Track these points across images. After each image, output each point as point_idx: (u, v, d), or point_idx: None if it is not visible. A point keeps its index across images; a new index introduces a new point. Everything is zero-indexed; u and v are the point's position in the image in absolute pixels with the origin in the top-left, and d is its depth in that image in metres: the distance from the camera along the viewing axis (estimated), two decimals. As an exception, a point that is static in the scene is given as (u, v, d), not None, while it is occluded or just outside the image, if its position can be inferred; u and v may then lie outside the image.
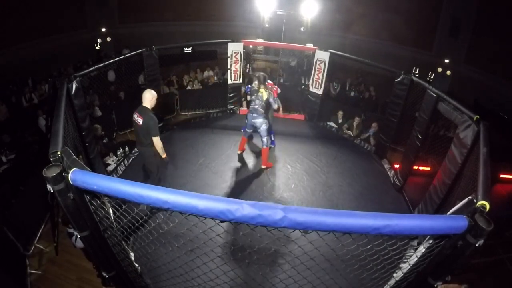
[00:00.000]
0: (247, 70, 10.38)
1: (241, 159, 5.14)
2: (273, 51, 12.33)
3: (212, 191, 4.35)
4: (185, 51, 7.90)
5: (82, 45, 11.70)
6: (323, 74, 6.26)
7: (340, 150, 5.71)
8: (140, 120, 3.55)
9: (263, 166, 4.90)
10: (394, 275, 2.01)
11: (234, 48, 6.27)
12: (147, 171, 4.08)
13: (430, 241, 1.50)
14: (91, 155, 4.04)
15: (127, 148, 5.42)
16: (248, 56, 10.27)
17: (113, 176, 4.67)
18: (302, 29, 8.60)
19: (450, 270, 1.47)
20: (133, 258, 2.43)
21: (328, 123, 6.79)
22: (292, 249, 1.72)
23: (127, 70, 5.83)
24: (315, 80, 6.40)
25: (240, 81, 6.71)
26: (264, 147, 4.79)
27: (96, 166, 4.16)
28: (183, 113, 7.27)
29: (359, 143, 6.24)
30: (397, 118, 5.30)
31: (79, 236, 1.62)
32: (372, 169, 5.36)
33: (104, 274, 1.96)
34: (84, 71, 4.02)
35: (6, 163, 5.60)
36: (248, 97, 5.00)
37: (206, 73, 9.68)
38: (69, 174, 1.30)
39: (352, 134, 6.51)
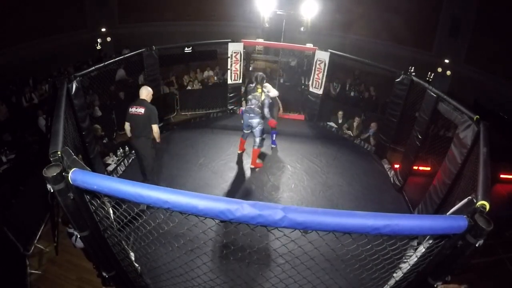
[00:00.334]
0: (250, 68, 10.38)
1: (241, 159, 5.14)
2: (273, 51, 12.33)
3: (212, 191, 4.35)
4: (185, 51, 7.90)
5: (82, 45, 11.71)
6: (323, 74, 6.26)
7: (340, 150, 5.71)
8: (141, 110, 3.74)
9: (251, 166, 4.90)
10: (394, 275, 2.01)
11: (234, 48, 6.27)
12: (142, 163, 4.13)
13: (430, 241, 1.50)
14: (91, 155, 4.04)
15: (127, 148, 5.41)
16: (248, 56, 10.26)
17: (113, 176, 4.67)
18: (302, 29, 8.60)
19: (450, 270, 1.47)
20: (133, 258, 2.43)
21: (328, 123, 6.79)
22: (292, 249, 1.72)
23: (127, 70, 5.83)
24: (315, 80, 6.41)
25: (240, 81, 6.71)
26: (256, 147, 4.75)
27: (96, 166, 4.16)
28: (183, 113, 7.26)
29: (359, 143, 6.24)
30: (397, 118, 5.30)
31: (79, 236, 1.62)
32: (372, 169, 5.36)
33: (104, 274, 1.96)
34: (84, 71, 4.03)
35: (6, 163, 5.59)
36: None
37: (206, 73, 9.68)
38: (69, 174, 1.30)
39: (352, 134, 6.51)
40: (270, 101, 4.71)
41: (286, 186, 4.61)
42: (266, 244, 3.13)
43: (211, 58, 9.40)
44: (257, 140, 4.70)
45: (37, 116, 6.95)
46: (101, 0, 11.86)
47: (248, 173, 4.81)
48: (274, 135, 5.54)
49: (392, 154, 5.87)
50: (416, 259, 1.66)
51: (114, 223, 1.82)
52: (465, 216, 1.24)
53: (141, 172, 4.37)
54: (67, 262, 3.97)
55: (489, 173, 2.04)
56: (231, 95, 6.77)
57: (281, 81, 8.54)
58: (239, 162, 5.06)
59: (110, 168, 4.90)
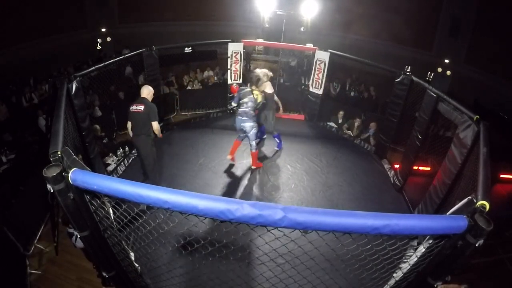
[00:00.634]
0: (250, 68, 10.36)
1: (241, 159, 5.14)
2: (273, 51, 12.34)
3: (212, 191, 4.35)
4: (185, 51, 7.90)
5: (82, 45, 11.72)
6: (323, 74, 6.26)
7: (340, 150, 5.71)
8: (141, 108, 3.80)
9: (253, 167, 4.87)
10: (394, 275, 2.01)
11: (234, 48, 6.27)
12: (143, 162, 4.16)
13: (430, 241, 1.50)
14: (91, 155, 4.04)
15: (127, 148, 5.42)
16: (248, 56, 10.27)
17: (113, 176, 4.67)
18: (302, 29, 8.62)
19: (450, 270, 1.47)
20: (133, 258, 2.43)
21: (328, 123, 6.79)
22: (292, 249, 1.72)
23: (134, 68, 5.82)
24: (315, 80, 6.41)
25: (240, 81, 6.70)
26: (253, 151, 4.68)
27: (96, 166, 4.16)
28: (183, 113, 7.27)
29: (359, 143, 6.24)
30: (397, 118, 5.30)
31: (79, 236, 1.62)
32: (372, 169, 5.36)
33: (104, 274, 1.96)
34: (84, 71, 4.03)
35: (6, 163, 5.60)
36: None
37: (206, 73, 9.68)
38: (69, 174, 1.30)
39: (352, 134, 6.51)
40: (265, 101, 4.62)
41: (286, 186, 4.61)
42: (266, 244, 3.12)
43: (211, 58, 9.41)
44: (253, 143, 4.61)
45: (37, 116, 6.95)
46: (101, 0, 11.86)
47: (248, 173, 4.81)
48: (277, 138, 5.43)
49: (392, 154, 5.87)
50: (416, 259, 1.66)
51: (114, 223, 1.82)
52: (465, 216, 1.24)
53: (142, 171, 4.39)
54: (67, 262, 3.97)
55: (489, 173, 2.04)
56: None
57: (281, 81, 8.54)
58: (239, 162, 5.06)
59: (110, 168, 4.90)
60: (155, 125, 3.88)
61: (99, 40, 12.40)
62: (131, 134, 4.03)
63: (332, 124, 6.77)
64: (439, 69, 11.63)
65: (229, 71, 6.50)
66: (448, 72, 11.51)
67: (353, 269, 1.94)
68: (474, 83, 10.57)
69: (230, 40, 6.27)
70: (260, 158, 5.19)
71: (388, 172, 5.28)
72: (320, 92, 6.46)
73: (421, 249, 1.62)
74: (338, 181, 4.85)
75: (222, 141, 5.60)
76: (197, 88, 8.47)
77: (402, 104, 5.17)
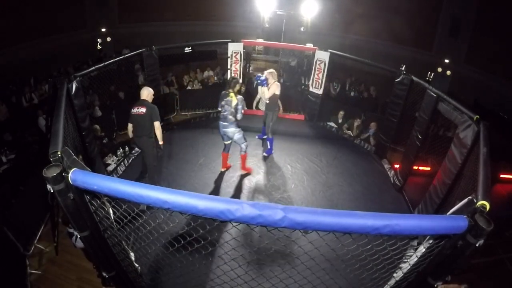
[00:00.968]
0: (250, 68, 10.36)
1: (241, 159, 5.13)
2: (273, 51, 12.34)
3: (212, 191, 4.35)
4: (185, 51, 7.89)
5: (82, 45, 11.71)
6: (323, 74, 6.26)
7: (340, 150, 5.71)
8: (143, 110, 3.83)
9: (243, 172, 4.72)
10: (394, 275, 2.01)
11: (234, 48, 6.27)
12: (145, 163, 4.19)
13: (430, 241, 1.50)
14: (91, 155, 4.04)
15: (127, 148, 5.42)
16: (248, 56, 10.29)
17: (113, 176, 4.67)
18: (302, 29, 8.61)
19: (450, 270, 1.47)
20: (133, 258, 2.43)
21: (328, 123, 6.79)
22: (292, 249, 1.72)
23: (127, 70, 5.83)
24: (315, 80, 6.41)
25: (240, 81, 6.70)
26: (243, 153, 4.55)
27: (96, 166, 4.16)
28: (183, 113, 7.26)
29: (359, 143, 6.24)
30: (397, 118, 5.30)
31: (79, 236, 1.62)
32: (372, 169, 5.36)
33: (104, 274, 1.96)
34: (84, 71, 4.03)
35: (6, 163, 5.59)
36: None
37: (206, 73, 9.68)
38: (69, 174, 1.30)
39: (352, 134, 6.51)
40: (242, 105, 4.22)
41: (286, 186, 4.61)
42: (266, 244, 3.13)
43: (211, 58, 9.38)
44: (243, 146, 4.46)
45: (37, 116, 6.95)
46: (101, 0, 11.86)
47: (248, 173, 4.81)
48: (270, 142, 5.25)
49: (392, 154, 5.87)
50: (416, 259, 1.66)
51: (114, 223, 1.82)
52: (465, 216, 1.24)
53: (142, 169, 4.43)
54: (67, 262, 3.97)
55: (489, 173, 2.04)
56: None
57: (281, 81, 8.53)
58: (239, 162, 5.05)
59: (110, 168, 4.90)
60: (157, 124, 3.91)
61: (99, 40, 12.40)
62: (131, 135, 4.04)
63: (332, 124, 6.77)
64: (439, 69, 11.63)
65: (229, 71, 6.50)
66: (448, 72, 11.51)
67: (353, 269, 1.94)
68: (474, 83, 10.57)
69: (230, 40, 6.27)
70: (261, 158, 5.19)
71: (388, 172, 5.28)
72: (320, 92, 6.46)
73: (421, 249, 1.62)
74: (338, 181, 4.85)
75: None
76: (197, 88, 8.46)
77: (402, 104, 5.17)
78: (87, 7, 11.76)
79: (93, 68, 4.25)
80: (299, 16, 8.88)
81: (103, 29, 12.31)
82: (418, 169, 5.31)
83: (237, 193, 4.38)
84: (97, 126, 5.54)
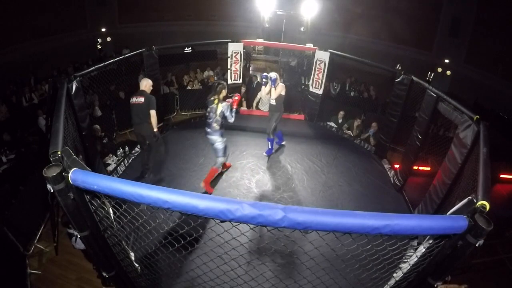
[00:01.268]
0: (250, 68, 10.34)
1: (241, 159, 5.13)
2: (273, 51, 12.34)
3: (212, 191, 4.35)
4: (185, 51, 7.90)
5: (82, 45, 11.72)
6: (323, 74, 6.26)
7: (340, 150, 5.71)
8: (141, 99, 4.12)
9: (201, 184, 4.24)
10: (394, 275, 2.01)
11: (234, 48, 6.27)
12: (149, 146, 4.49)
13: (430, 241, 1.50)
14: (91, 155, 4.04)
15: (127, 148, 5.42)
16: (248, 56, 10.30)
17: (113, 176, 4.67)
18: (302, 29, 8.61)
19: (450, 270, 1.47)
20: (133, 258, 2.43)
21: (328, 123, 6.79)
22: (292, 249, 1.72)
23: (128, 70, 5.83)
24: (315, 80, 6.41)
25: (240, 81, 6.70)
26: (214, 167, 4.25)
27: (96, 166, 4.16)
28: (183, 113, 7.27)
29: (359, 143, 6.24)
30: (397, 118, 5.30)
31: (79, 236, 1.62)
32: (372, 169, 5.36)
33: (104, 274, 1.96)
34: (84, 71, 4.03)
35: (6, 163, 5.59)
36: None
37: (206, 73, 9.68)
38: (69, 174, 1.30)
39: (352, 134, 6.51)
40: (229, 112, 3.98)
41: (286, 186, 4.61)
42: (266, 244, 3.13)
43: (211, 58, 9.41)
44: (218, 159, 4.21)
45: (37, 116, 6.95)
46: (101, 0, 11.87)
47: (248, 173, 4.81)
48: (269, 143, 5.15)
49: (392, 154, 5.87)
50: (416, 259, 1.67)
51: (114, 223, 1.82)
52: (465, 216, 1.24)
53: (145, 162, 4.63)
54: (67, 262, 3.97)
55: (489, 173, 2.04)
56: (231, 95, 6.74)
57: (281, 81, 8.52)
58: (239, 162, 5.06)
59: (110, 168, 4.90)
60: (153, 112, 4.16)
61: (99, 40, 12.41)
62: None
63: (332, 124, 6.77)
64: (439, 69, 11.64)
65: (229, 71, 6.50)
66: (448, 72, 11.52)
67: (353, 269, 1.94)
68: (474, 83, 10.58)
69: (230, 40, 6.27)
70: (260, 158, 5.18)
71: (388, 172, 5.28)
72: (320, 92, 6.46)
73: (421, 249, 1.62)
74: (338, 181, 4.85)
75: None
76: (197, 88, 8.47)
77: (402, 104, 5.17)
78: (87, 7, 11.77)
79: (93, 68, 4.24)
80: (299, 16, 8.88)
81: (103, 29, 12.32)
82: (418, 169, 5.31)
83: (237, 193, 4.38)
84: (97, 126, 5.54)
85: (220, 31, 11.96)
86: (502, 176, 6.37)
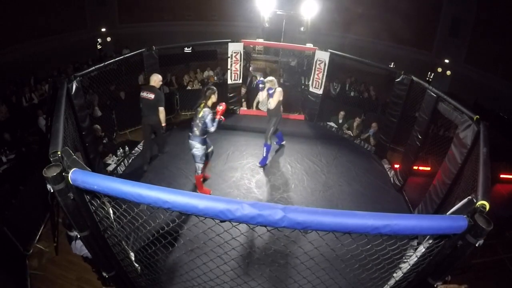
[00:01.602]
0: (250, 68, 10.32)
1: (241, 159, 5.13)
2: (273, 51, 12.32)
3: (212, 191, 4.35)
4: (185, 51, 7.91)
5: (82, 45, 11.72)
6: (323, 74, 6.26)
7: (340, 150, 5.71)
8: (151, 96, 4.40)
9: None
10: (394, 275, 2.01)
11: (234, 48, 6.27)
12: (156, 135, 5.00)
13: (430, 241, 1.50)
14: (91, 155, 4.04)
15: (127, 148, 5.42)
16: (248, 56, 10.30)
17: (113, 176, 4.67)
18: (302, 29, 8.62)
19: (450, 270, 1.47)
20: (133, 258, 2.43)
21: (328, 123, 6.79)
22: (292, 249, 1.72)
23: (127, 70, 5.83)
24: (315, 80, 6.41)
25: (240, 81, 6.70)
26: (196, 174, 4.15)
27: (96, 166, 4.16)
28: (183, 113, 7.27)
29: (359, 143, 6.24)
30: (397, 118, 5.30)
31: (78, 240, 1.62)
32: (372, 169, 5.36)
33: (104, 274, 1.96)
34: (84, 71, 4.03)
35: (6, 163, 5.59)
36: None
37: (206, 73, 9.68)
38: (69, 174, 1.30)
39: (352, 134, 6.51)
40: (210, 120, 3.79)
41: (286, 186, 4.61)
42: (266, 244, 3.13)
43: (211, 58, 9.41)
44: (197, 165, 4.05)
45: (37, 116, 6.95)
46: (101, 0, 11.87)
47: (248, 173, 4.81)
48: (265, 149, 4.90)
49: (392, 154, 5.87)
50: (416, 259, 1.67)
51: (114, 223, 1.82)
52: (465, 216, 1.24)
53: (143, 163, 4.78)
54: (67, 262, 3.97)
55: (489, 173, 2.04)
56: (231, 95, 6.76)
57: (281, 81, 8.54)
58: (239, 162, 5.06)
59: (110, 168, 4.90)
60: (161, 109, 4.48)
61: (99, 40, 12.41)
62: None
63: (332, 124, 6.77)
64: (439, 69, 11.65)
65: (229, 71, 6.50)
66: (448, 72, 11.52)
67: (353, 269, 1.94)
68: (474, 83, 10.58)
69: (230, 40, 6.27)
70: (260, 159, 5.18)
71: (388, 172, 5.28)
72: (320, 92, 6.46)
73: (421, 249, 1.62)
74: (338, 181, 4.85)
75: (222, 141, 5.60)
76: (197, 88, 8.47)
77: (402, 104, 5.17)
78: (87, 7, 11.78)
79: (93, 68, 4.25)
80: (299, 16, 8.89)
81: (103, 29, 12.32)
82: (418, 169, 5.31)
83: (237, 193, 4.38)
84: (97, 126, 5.54)
85: (220, 31, 11.96)
86: (502, 176, 6.37)
